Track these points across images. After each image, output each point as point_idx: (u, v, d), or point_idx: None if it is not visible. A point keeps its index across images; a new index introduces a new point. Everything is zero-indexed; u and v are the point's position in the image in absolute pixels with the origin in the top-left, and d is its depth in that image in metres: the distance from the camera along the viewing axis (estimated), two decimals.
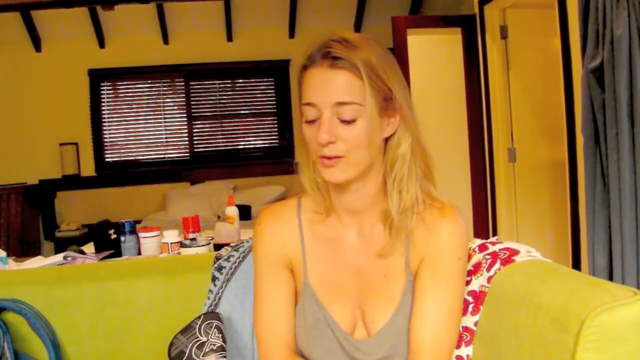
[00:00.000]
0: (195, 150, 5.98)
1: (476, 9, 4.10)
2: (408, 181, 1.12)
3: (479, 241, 1.47)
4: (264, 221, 1.26)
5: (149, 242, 2.01)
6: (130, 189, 5.69)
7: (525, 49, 4.01)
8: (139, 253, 2.04)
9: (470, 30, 4.13)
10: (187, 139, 5.98)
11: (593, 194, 2.68)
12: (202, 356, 1.43)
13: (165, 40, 5.77)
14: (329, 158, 1.07)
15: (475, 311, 1.31)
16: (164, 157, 6.02)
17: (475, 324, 1.31)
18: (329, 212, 1.21)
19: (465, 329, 1.33)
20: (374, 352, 1.18)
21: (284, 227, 1.24)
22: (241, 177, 5.76)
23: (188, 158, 5.96)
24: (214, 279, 1.69)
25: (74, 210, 5.57)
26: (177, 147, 6.03)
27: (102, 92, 5.84)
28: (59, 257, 1.92)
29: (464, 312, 1.34)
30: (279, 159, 6.00)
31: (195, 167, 5.86)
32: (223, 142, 6.13)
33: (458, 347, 1.33)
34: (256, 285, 1.31)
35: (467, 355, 1.32)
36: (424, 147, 1.13)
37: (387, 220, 1.16)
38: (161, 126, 6.01)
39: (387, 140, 1.13)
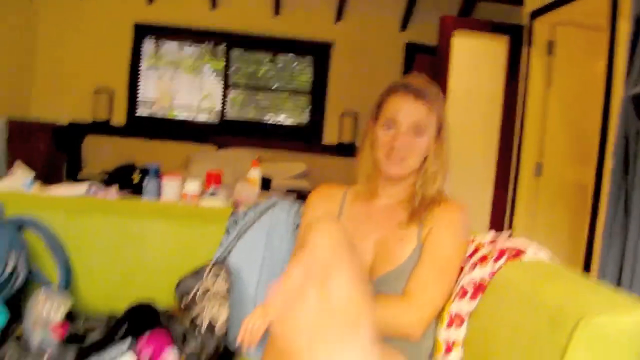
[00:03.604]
0: (226, 117, 6.04)
1: (526, 21, 4.07)
2: (432, 185, 1.49)
3: (491, 236, 1.49)
4: (318, 188, 1.64)
5: (170, 188, 2.05)
6: (157, 143, 5.75)
7: (569, 68, 3.98)
8: (159, 197, 2.09)
9: (517, 41, 4.10)
10: (220, 104, 6.03)
11: (613, 217, 2.68)
12: (206, 299, 1.48)
13: (213, 5, 5.81)
14: (396, 159, 1.45)
15: (472, 299, 1.35)
16: (195, 119, 6.09)
17: (468, 313, 1.35)
18: (372, 196, 1.55)
19: (457, 315, 1.37)
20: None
21: (331, 193, 1.61)
22: (267, 149, 5.79)
23: (217, 123, 6.01)
24: (228, 231, 1.74)
25: (100, 156, 5.64)
26: (208, 111, 6.09)
27: (144, 46, 5.90)
28: (83, 187, 1.97)
29: (461, 297, 1.37)
30: (305, 138, 6.04)
31: (223, 133, 5.91)
32: (254, 113, 6.17)
33: (447, 329, 1.38)
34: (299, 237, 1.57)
35: (454, 340, 1.36)
36: (448, 165, 1.52)
37: (411, 205, 1.50)
38: (196, 88, 6.07)
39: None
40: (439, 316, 1.42)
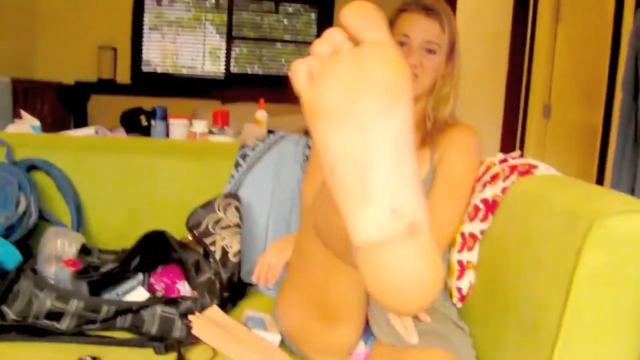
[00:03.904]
0: (231, 70, 5.99)
1: None
2: (444, 107, 1.47)
3: (501, 155, 1.48)
4: None
5: (178, 128, 2.05)
6: (163, 100, 5.70)
7: (578, 5, 3.90)
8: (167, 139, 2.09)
9: None
10: (224, 58, 5.98)
11: (622, 153, 2.66)
12: (218, 229, 1.49)
13: None
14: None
15: (484, 219, 1.34)
16: (200, 74, 6.04)
17: (482, 232, 1.34)
18: None
19: (471, 234, 1.36)
20: None
21: None
22: (273, 103, 5.75)
23: (222, 78, 5.97)
24: (237, 165, 1.74)
25: (106, 114, 5.61)
26: (213, 65, 6.04)
27: (146, 0, 5.83)
28: (91, 130, 1.97)
29: (473, 218, 1.37)
30: None
31: (229, 88, 5.87)
32: (260, 66, 6.11)
33: (460, 251, 1.37)
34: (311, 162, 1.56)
35: (468, 261, 1.36)
36: (459, 86, 1.49)
37: (424, 128, 1.48)
38: (200, 42, 6.01)
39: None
40: (453, 238, 1.42)
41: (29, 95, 5.03)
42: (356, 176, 0.61)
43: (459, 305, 1.37)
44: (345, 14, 0.61)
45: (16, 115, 4.65)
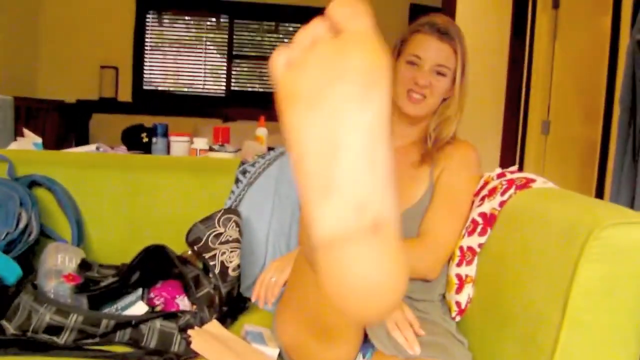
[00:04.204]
0: (232, 88, 6.03)
1: None
2: (446, 128, 1.49)
3: (498, 170, 1.49)
4: None
5: (178, 145, 2.06)
6: (164, 118, 5.74)
7: (575, 22, 3.92)
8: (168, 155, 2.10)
9: None
10: (224, 76, 6.02)
11: (621, 166, 2.66)
12: (218, 244, 1.49)
13: None
14: (417, 96, 1.44)
15: (482, 233, 1.35)
16: (201, 92, 6.08)
17: (480, 245, 1.35)
18: None
19: (469, 248, 1.37)
20: None
21: None
22: (273, 120, 5.78)
23: (223, 96, 6.01)
24: (237, 181, 1.75)
25: (107, 133, 5.65)
26: (214, 83, 6.08)
27: (148, 20, 5.89)
28: (92, 147, 1.98)
29: (471, 232, 1.37)
30: None
31: (230, 106, 5.91)
32: (260, 84, 6.15)
33: (459, 265, 1.38)
34: None
35: (466, 275, 1.36)
36: (463, 109, 1.51)
37: (424, 146, 1.51)
38: (201, 61, 6.06)
39: (444, 99, 1.50)
40: (452, 253, 1.43)
41: (32, 114, 5.05)
42: (323, 165, 0.58)
43: (458, 318, 1.37)
44: (331, 5, 0.61)
45: (18, 134, 4.67)
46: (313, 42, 0.61)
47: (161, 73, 6.05)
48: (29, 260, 1.61)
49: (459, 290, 1.37)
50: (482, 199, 1.40)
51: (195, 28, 6.08)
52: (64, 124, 5.48)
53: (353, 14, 0.61)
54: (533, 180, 1.34)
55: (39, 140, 2.09)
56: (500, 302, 1.23)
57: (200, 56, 6.08)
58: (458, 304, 1.36)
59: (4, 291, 1.37)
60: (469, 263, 1.36)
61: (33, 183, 1.77)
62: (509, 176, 1.41)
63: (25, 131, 2.25)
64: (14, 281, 1.42)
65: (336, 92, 0.58)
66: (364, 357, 1.23)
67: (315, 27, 0.62)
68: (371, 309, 0.62)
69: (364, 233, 0.58)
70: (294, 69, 0.60)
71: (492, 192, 1.38)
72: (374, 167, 0.59)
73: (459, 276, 1.37)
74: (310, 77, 0.59)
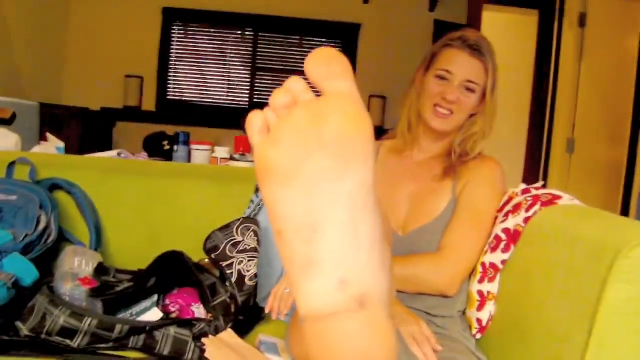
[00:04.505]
0: (255, 100, 6.05)
1: None
2: (471, 145, 1.46)
3: (523, 186, 1.46)
4: None
5: (200, 154, 2.06)
6: (187, 128, 5.77)
7: (602, 41, 3.88)
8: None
9: (548, 14, 4.03)
10: (248, 89, 6.05)
11: None
12: (236, 252, 1.48)
13: None
14: (444, 112, 1.41)
15: (506, 249, 1.31)
16: (224, 103, 6.11)
17: (503, 262, 1.31)
18: (407, 149, 1.52)
19: (492, 265, 1.33)
20: (398, 248, 1.35)
21: None
22: None
23: (247, 107, 6.02)
24: (257, 190, 1.74)
25: (131, 141, 5.69)
26: (237, 95, 6.10)
27: (173, 31, 5.95)
28: (114, 153, 1.99)
29: (494, 248, 1.34)
30: None
31: None
32: None
33: (480, 282, 1.35)
34: None
35: (488, 292, 1.33)
36: (492, 127, 1.48)
37: (448, 160, 1.47)
38: (225, 73, 6.09)
39: (471, 115, 1.47)
40: (472, 269, 1.40)
41: (57, 120, 5.11)
42: (302, 241, 0.55)
43: (479, 336, 1.34)
44: (308, 62, 0.56)
45: (43, 139, 4.73)
46: (290, 105, 0.57)
47: (185, 83, 6.09)
48: (47, 263, 1.61)
49: (481, 307, 1.33)
50: (506, 215, 1.36)
51: (220, 40, 6.12)
52: (88, 131, 5.53)
53: (332, 73, 0.57)
54: (559, 197, 1.31)
55: (62, 144, 2.10)
56: (523, 320, 1.20)
57: (224, 68, 6.12)
58: (479, 321, 1.33)
59: (20, 292, 1.37)
60: (492, 280, 1.33)
61: (54, 186, 1.78)
62: (534, 192, 1.38)
63: (49, 135, 2.27)
64: (30, 283, 1.41)
65: (313, 165, 0.55)
66: None
67: (293, 86, 0.58)
68: None
69: (349, 309, 0.55)
70: (269, 138, 0.57)
71: (517, 208, 1.35)
72: (356, 241, 0.56)
73: (480, 293, 1.34)
74: (285, 149, 0.55)
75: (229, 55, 6.13)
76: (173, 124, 5.81)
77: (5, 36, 4.71)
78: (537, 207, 1.30)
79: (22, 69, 5.04)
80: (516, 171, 4.17)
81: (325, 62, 0.57)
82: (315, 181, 0.55)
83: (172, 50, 6.00)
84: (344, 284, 0.55)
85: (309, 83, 0.59)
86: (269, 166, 0.56)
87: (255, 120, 0.58)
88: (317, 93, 0.58)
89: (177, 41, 6.04)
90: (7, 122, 2.43)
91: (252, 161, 2.05)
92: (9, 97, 3.59)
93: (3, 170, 1.78)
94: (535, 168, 4.12)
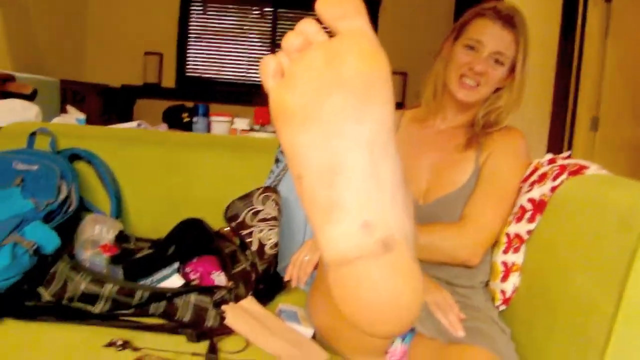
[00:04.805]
0: None
1: None
2: (496, 119, 1.43)
3: (549, 155, 1.43)
4: None
5: (219, 125, 2.05)
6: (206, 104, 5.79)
7: (629, 17, 3.79)
8: None
9: None
10: None
11: None
12: (256, 221, 1.47)
13: None
14: (470, 83, 1.37)
15: (531, 219, 1.29)
16: (243, 80, 6.09)
17: (528, 232, 1.29)
18: (430, 119, 1.49)
19: (516, 235, 1.31)
20: (418, 217, 1.28)
21: None
22: None
23: None
24: (277, 160, 1.72)
25: (151, 117, 5.65)
26: (257, 72, 6.08)
27: (192, 7, 5.92)
28: (134, 124, 1.98)
29: (519, 219, 1.31)
30: None
31: None
32: None
33: (505, 252, 1.32)
34: None
35: (512, 263, 1.30)
36: (519, 103, 1.44)
37: (471, 130, 1.44)
38: (244, 49, 6.07)
39: (497, 89, 1.43)
40: (496, 240, 1.37)
41: (77, 97, 5.13)
42: (324, 185, 0.54)
43: (502, 308, 1.32)
44: (319, 3, 0.54)
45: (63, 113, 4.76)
46: (303, 47, 0.56)
47: (204, 60, 6.08)
48: (68, 232, 1.61)
49: (505, 278, 1.31)
50: (532, 184, 1.33)
51: (239, 17, 6.09)
52: (108, 108, 5.56)
53: (345, 12, 0.55)
54: (586, 167, 1.28)
55: (82, 116, 2.10)
56: (548, 291, 1.17)
57: (243, 45, 6.09)
58: (503, 292, 1.31)
59: (42, 260, 1.38)
60: (516, 250, 1.30)
61: (74, 156, 1.78)
62: (560, 162, 1.35)
63: (69, 107, 2.27)
64: (52, 250, 1.42)
65: (330, 106, 0.53)
66: (402, 340, 1.19)
67: (305, 28, 0.56)
68: (385, 327, 0.58)
69: (373, 253, 0.54)
70: (284, 81, 0.56)
71: (543, 177, 1.32)
72: (379, 184, 0.55)
73: (504, 264, 1.32)
74: (301, 91, 0.54)
75: (248, 31, 6.10)
76: (192, 100, 5.82)
77: (25, 14, 4.72)
78: (564, 176, 1.26)
79: (42, 46, 5.06)
80: (539, 149, 4.11)
81: (337, 1, 0.55)
82: (334, 123, 0.54)
83: (191, 27, 5.98)
84: (368, 226, 0.54)
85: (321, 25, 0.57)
86: (286, 110, 0.55)
87: (269, 65, 0.57)
88: (330, 34, 0.56)
89: (196, 18, 6.02)
90: (29, 98, 2.43)
91: (272, 132, 2.04)
92: (30, 73, 3.62)
93: (24, 141, 1.78)
94: (558, 146, 4.05)
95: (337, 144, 0.54)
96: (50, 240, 1.44)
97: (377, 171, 0.55)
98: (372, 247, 0.54)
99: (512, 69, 1.40)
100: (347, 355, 1.18)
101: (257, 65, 5.99)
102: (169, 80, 5.92)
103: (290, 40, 0.56)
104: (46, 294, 1.25)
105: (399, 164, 0.56)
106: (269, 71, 0.57)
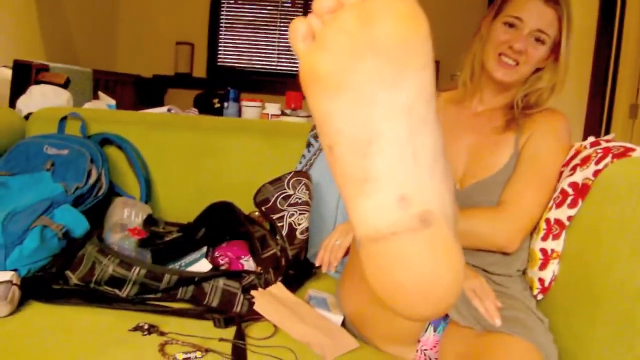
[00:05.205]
0: None
1: None
2: (537, 101, 1.37)
3: (592, 138, 1.36)
4: None
5: (250, 110, 2.02)
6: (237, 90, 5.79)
7: None
8: None
9: None
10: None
11: None
12: (287, 206, 1.44)
13: None
14: (509, 61, 1.31)
15: (572, 204, 1.23)
16: (274, 70, 6.07)
17: (569, 218, 1.23)
18: (467, 100, 1.43)
19: (557, 221, 1.25)
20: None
21: None
22: None
23: (296, 73, 5.97)
24: (308, 144, 1.69)
25: (182, 107, 5.69)
26: (288, 61, 6.05)
27: None
28: (164, 109, 1.97)
29: (560, 204, 1.25)
30: None
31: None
32: None
33: (544, 239, 1.26)
34: None
35: (552, 250, 1.25)
36: (562, 84, 1.37)
37: (510, 112, 1.38)
38: (275, 39, 6.04)
39: (538, 69, 1.36)
40: (535, 226, 1.32)
41: (109, 87, 5.17)
42: (356, 156, 0.50)
43: (540, 297, 1.26)
44: None
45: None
46: (335, 8, 0.51)
47: (235, 50, 6.07)
48: (97, 215, 1.61)
49: (544, 266, 1.25)
50: (574, 168, 1.27)
51: (270, 6, 6.06)
52: (140, 98, 5.59)
53: None
54: (632, 149, 1.21)
55: (113, 102, 2.10)
56: (591, 279, 1.12)
57: (275, 34, 6.06)
58: (541, 281, 1.25)
59: (71, 243, 1.37)
60: (556, 237, 1.24)
61: (104, 141, 1.77)
62: (604, 145, 1.29)
63: (100, 94, 2.27)
64: (80, 234, 1.41)
65: (364, 71, 0.49)
66: (435, 330, 1.15)
67: None
68: (421, 308, 0.54)
69: (410, 228, 0.50)
70: (315, 45, 0.52)
71: (585, 161, 1.25)
72: (417, 155, 0.51)
73: (543, 251, 1.26)
74: (333, 55, 0.50)
75: (279, 21, 6.07)
76: (223, 90, 5.83)
77: (59, 6, 4.77)
78: (608, 159, 1.20)
79: (76, 37, 5.10)
80: (576, 137, 4.01)
81: None
82: (367, 89, 0.50)
83: (222, 17, 5.98)
84: (404, 200, 0.50)
85: None
86: (316, 75, 0.51)
87: (298, 27, 0.53)
88: None
89: (227, 7, 6.01)
90: (62, 87, 2.44)
91: (304, 116, 2.00)
92: (64, 64, 3.65)
93: (55, 126, 1.78)
94: (596, 134, 3.94)
95: (371, 112, 0.50)
96: (79, 224, 1.44)
97: (415, 141, 0.51)
98: (408, 222, 0.50)
99: (553, 49, 1.33)
100: (378, 343, 1.15)
101: (288, 55, 5.97)
102: (200, 70, 5.93)
103: (321, 1, 0.52)
104: (73, 277, 1.24)
105: (440, 135, 0.53)
106: (298, 34, 0.53)
